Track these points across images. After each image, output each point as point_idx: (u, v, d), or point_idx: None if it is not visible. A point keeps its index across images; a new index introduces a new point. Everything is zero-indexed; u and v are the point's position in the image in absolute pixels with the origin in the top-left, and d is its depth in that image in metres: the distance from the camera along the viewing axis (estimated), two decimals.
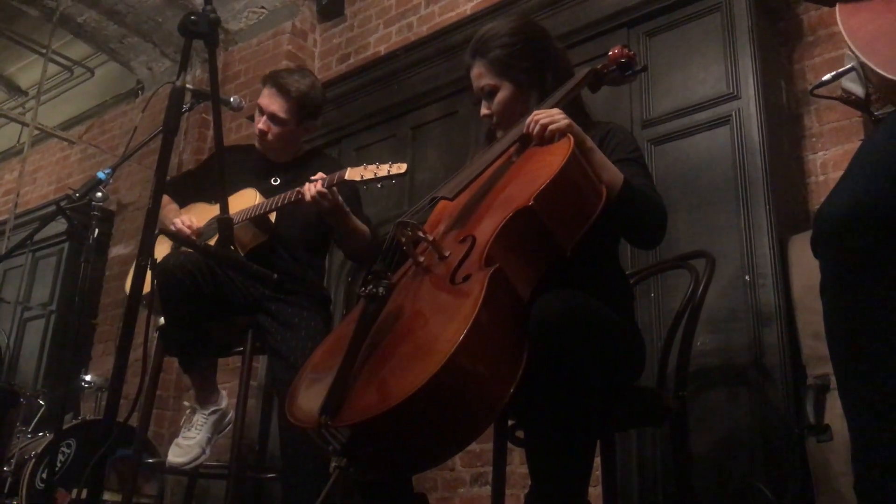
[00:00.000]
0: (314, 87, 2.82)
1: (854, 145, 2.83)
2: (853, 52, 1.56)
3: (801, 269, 2.54)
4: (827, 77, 1.79)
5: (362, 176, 2.46)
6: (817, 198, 2.89)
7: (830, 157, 2.92)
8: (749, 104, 2.79)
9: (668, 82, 3.05)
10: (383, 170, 2.45)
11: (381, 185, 2.48)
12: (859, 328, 1.43)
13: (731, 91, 2.85)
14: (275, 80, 2.76)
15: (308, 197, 2.48)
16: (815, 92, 1.96)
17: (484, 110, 2.06)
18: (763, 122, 2.75)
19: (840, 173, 1.55)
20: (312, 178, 2.52)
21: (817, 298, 1.52)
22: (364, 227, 2.70)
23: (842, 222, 1.45)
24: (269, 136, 2.79)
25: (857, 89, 1.72)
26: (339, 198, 2.52)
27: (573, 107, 2.00)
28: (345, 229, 2.65)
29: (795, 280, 2.56)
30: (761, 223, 2.64)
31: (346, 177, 2.47)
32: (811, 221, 2.09)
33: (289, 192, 2.58)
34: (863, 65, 1.68)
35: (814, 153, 2.97)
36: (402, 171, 2.44)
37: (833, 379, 2.25)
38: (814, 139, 2.98)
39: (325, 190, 2.47)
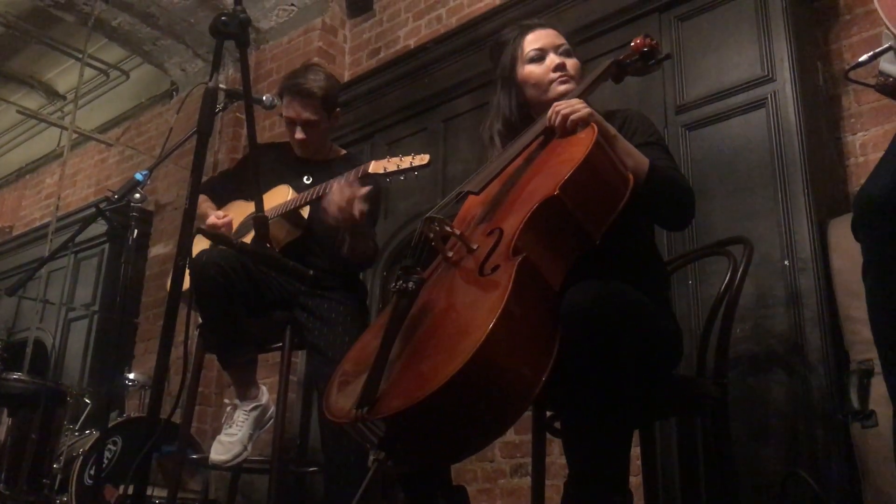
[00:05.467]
0: (329, 79, 2.86)
1: (894, 125, 2.77)
2: (889, 30, 1.52)
3: (841, 252, 2.50)
4: (864, 58, 1.73)
5: (385, 168, 2.46)
6: (857, 180, 2.84)
7: (870, 137, 2.86)
8: (785, 86, 2.75)
9: (701, 66, 3.01)
10: (406, 161, 2.45)
11: (405, 178, 2.47)
12: None
13: (767, 74, 2.81)
14: (296, 89, 2.77)
15: (334, 206, 2.43)
16: (851, 75, 1.90)
17: (557, 61, 2.03)
18: (799, 104, 2.70)
19: (880, 154, 1.52)
20: (337, 177, 2.50)
21: (859, 282, 1.49)
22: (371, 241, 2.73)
23: (882, 204, 1.42)
24: (310, 141, 2.83)
25: (894, 70, 1.66)
26: (362, 207, 2.45)
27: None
28: (356, 231, 2.60)
29: (836, 264, 2.52)
30: (800, 207, 2.60)
31: (371, 170, 2.47)
32: (851, 204, 2.05)
33: (318, 187, 2.60)
34: None
35: (853, 134, 2.91)
36: (425, 161, 2.44)
37: (877, 363, 2.21)
38: (852, 120, 2.92)
39: (352, 202, 2.41)
